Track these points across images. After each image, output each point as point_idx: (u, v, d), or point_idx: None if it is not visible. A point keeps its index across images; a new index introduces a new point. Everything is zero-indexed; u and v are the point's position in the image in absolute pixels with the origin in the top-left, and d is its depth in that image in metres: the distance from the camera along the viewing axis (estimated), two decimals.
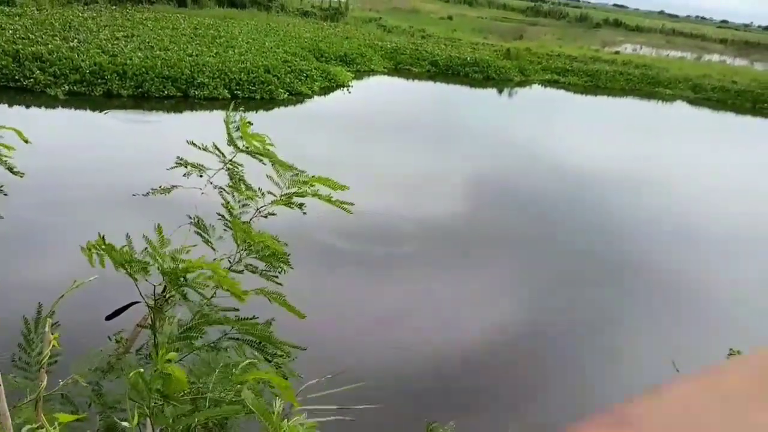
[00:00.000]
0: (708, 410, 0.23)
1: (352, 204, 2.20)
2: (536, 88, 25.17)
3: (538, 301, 7.64)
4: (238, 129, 2.12)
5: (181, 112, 14.43)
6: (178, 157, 2.12)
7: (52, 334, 1.74)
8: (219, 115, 14.36)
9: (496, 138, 15.95)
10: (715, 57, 42.43)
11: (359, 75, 21.73)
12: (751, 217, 11.93)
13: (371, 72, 22.88)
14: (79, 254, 1.60)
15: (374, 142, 13.87)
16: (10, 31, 16.12)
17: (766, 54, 51.27)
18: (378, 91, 20.82)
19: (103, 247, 1.48)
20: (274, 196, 2.09)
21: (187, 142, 2.24)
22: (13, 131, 1.85)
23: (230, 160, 2.11)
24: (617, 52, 36.31)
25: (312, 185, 2.11)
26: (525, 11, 66.71)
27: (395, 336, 6.46)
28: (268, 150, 2.12)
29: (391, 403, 5.35)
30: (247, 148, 2.06)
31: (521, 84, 25.15)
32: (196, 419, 1.59)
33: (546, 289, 7.94)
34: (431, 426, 3.00)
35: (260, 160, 2.10)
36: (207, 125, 12.95)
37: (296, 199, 2.11)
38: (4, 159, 1.80)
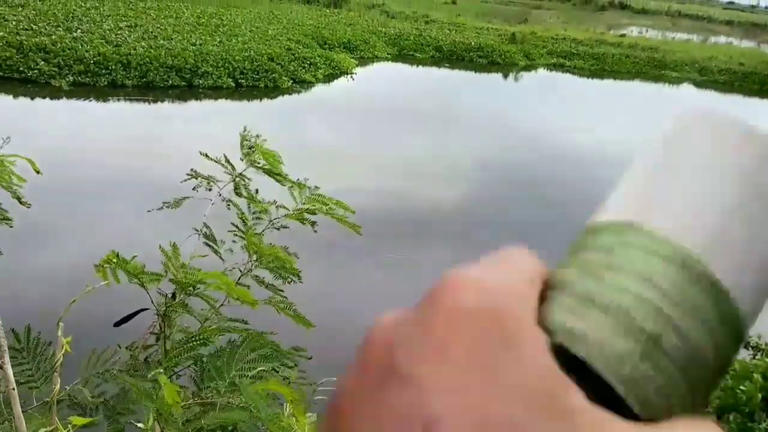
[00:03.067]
0: None
1: (359, 227, 2.24)
2: (541, 72, 25.02)
3: None
4: (252, 147, 2.15)
5: (186, 101, 14.41)
6: (191, 169, 2.14)
7: (64, 338, 1.76)
8: (224, 104, 14.38)
9: (503, 123, 15.86)
10: (722, 39, 42.03)
11: (363, 62, 21.63)
12: None
13: (375, 58, 22.78)
14: (86, 260, 1.61)
15: (380, 128, 13.84)
16: (14, 23, 16.07)
17: None
18: (382, 78, 20.73)
19: (115, 261, 1.49)
20: (288, 209, 2.11)
21: (200, 153, 2.26)
22: (26, 161, 1.85)
23: (240, 174, 2.14)
24: (623, 35, 36.04)
25: (325, 204, 2.13)
26: None
27: None
28: (281, 170, 2.15)
29: None
30: (258, 163, 2.09)
31: (526, 68, 25.00)
32: (204, 423, 1.60)
33: None
34: None
35: (277, 180, 2.12)
36: (212, 116, 12.97)
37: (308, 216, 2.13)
38: (14, 188, 1.80)
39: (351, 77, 19.07)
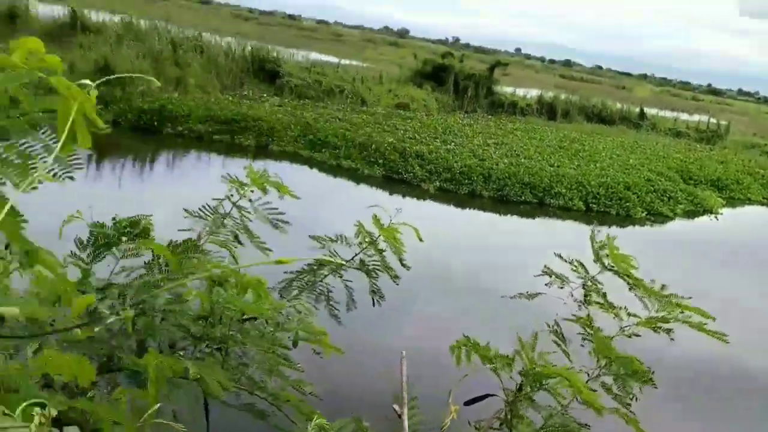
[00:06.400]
0: None
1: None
2: None
3: None
4: (602, 248, 2.12)
5: (534, 217, 14.82)
6: (545, 266, 2.17)
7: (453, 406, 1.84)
8: (570, 225, 14.40)
9: None
10: None
11: (732, 202, 19.77)
12: None
13: (747, 201, 20.63)
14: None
15: (743, 272, 12.31)
16: (402, 132, 18.71)
17: None
18: (752, 222, 18.63)
19: (469, 344, 1.54)
20: (639, 317, 1.97)
21: (555, 254, 2.29)
22: (411, 229, 2.07)
23: (593, 278, 2.10)
24: None
25: (682, 311, 1.93)
26: None
27: None
28: (632, 273, 2.07)
29: None
30: (612, 267, 2.03)
31: None
32: None
33: None
34: None
35: (627, 282, 2.05)
36: (560, 234, 13.07)
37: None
38: (403, 251, 2.02)
39: (715, 217, 17.53)
